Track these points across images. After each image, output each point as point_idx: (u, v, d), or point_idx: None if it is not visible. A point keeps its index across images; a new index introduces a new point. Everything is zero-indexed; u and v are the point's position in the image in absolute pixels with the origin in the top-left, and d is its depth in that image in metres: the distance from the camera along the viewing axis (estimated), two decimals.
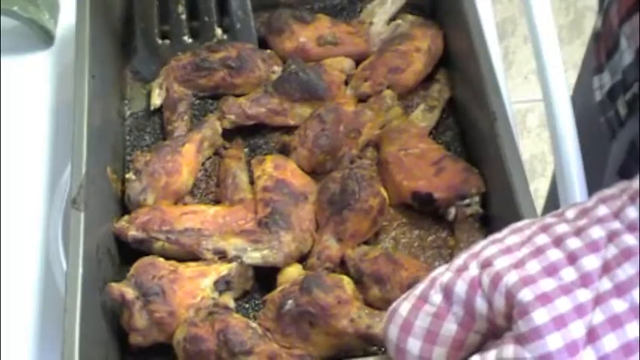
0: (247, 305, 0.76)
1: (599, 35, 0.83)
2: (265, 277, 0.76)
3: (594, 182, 0.73)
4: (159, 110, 0.89)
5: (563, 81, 0.80)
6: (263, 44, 0.91)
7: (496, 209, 0.76)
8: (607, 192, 0.48)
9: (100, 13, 0.88)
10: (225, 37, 0.92)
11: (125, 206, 0.81)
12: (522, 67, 1.98)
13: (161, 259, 0.74)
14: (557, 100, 0.80)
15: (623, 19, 0.76)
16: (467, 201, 0.76)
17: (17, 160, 0.89)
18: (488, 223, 0.77)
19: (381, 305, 0.71)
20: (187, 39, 0.92)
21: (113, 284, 0.72)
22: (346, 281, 0.72)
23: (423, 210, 0.79)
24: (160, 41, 0.92)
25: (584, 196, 0.77)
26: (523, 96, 1.89)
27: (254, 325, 0.70)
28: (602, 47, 0.82)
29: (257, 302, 0.76)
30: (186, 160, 0.82)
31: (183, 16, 0.91)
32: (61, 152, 0.86)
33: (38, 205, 0.86)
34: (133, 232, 0.76)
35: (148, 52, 0.92)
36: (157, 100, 0.88)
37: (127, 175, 0.80)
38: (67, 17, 0.97)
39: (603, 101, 0.82)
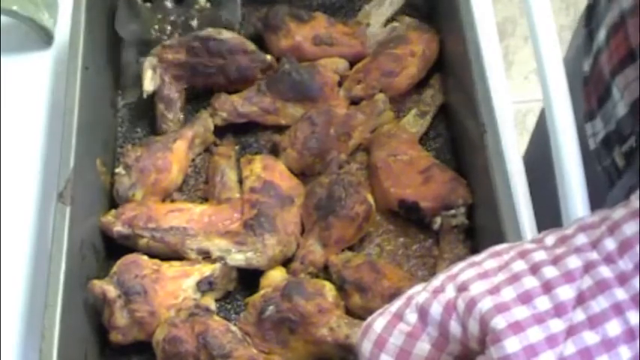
0: (229, 306, 0.76)
1: (588, 79, 0.82)
2: (248, 277, 0.76)
3: None
4: (151, 100, 0.87)
5: (563, 81, 0.80)
6: (259, 40, 0.91)
7: (481, 221, 0.76)
8: (587, 220, 0.48)
9: (96, 3, 0.87)
10: (208, 5, 0.90)
11: (113, 199, 0.81)
12: (522, 67, 1.97)
13: (145, 258, 0.74)
14: (557, 100, 0.79)
15: (615, 69, 0.75)
16: (453, 211, 0.76)
17: (16, 160, 0.89)
18: (473, 234, 0.77)
19: (362, 313, 0.71)
20: (169, 3, 0.91)
21: (95, 281, 0.72)
22: (328, 288, 0.72)
23: (409, 218, 0.78)
24: (140, 1, 0.90)
25: (582, 193, 0.76)
26: (523, 96, 1.88)
27: (234, 328, 0.70)
28: (593, 92, 0.81)
29: (239, 303, 0.76)
30: (176, 157, 0.81)
31: None
32: (60, 151, 0.86)
33: (36, 204, 0.86)
34: (118, 228, 0.76)
35: (127, 10, 0.90)
36: (149, 86, 0.86)
37: (117, 170, 0.80)
38: (66, 16, 0.96)
39: (598, 149, 0.81)
